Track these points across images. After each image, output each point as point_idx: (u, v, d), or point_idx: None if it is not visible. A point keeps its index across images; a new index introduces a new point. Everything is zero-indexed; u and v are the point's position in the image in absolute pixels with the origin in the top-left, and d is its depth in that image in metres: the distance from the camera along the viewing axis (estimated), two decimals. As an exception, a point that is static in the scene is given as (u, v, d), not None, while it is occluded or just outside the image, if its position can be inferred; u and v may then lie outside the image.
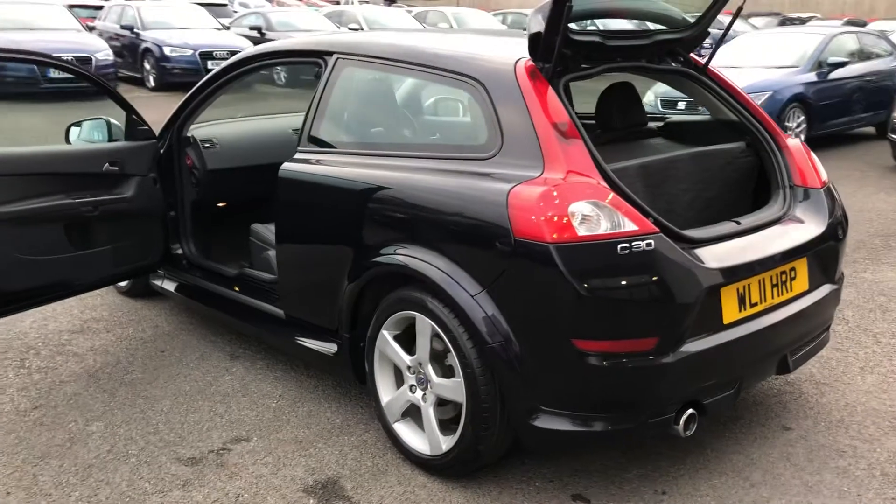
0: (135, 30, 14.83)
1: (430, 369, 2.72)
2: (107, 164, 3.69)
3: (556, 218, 2.33)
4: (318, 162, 3.12)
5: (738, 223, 2.75)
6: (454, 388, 2.62)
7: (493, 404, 2.53)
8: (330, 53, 3.25)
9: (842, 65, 9.61)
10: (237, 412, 3.26)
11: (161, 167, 3.95)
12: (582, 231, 2.32)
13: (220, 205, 4.43)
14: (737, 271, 2.55)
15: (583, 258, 2.31)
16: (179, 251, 4.15)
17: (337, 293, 3.02)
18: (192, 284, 4.09)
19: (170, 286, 4.17)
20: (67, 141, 3.95)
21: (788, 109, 9.04)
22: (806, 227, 2.87)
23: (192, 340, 3.98)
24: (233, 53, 14.36)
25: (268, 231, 3.94)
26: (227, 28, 15.74)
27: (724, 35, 3.30)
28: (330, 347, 3.14)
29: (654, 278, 2.36)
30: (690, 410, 2.50)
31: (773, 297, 2.69)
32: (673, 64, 3.16)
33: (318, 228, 3.09)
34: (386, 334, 2.85)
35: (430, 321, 2.65)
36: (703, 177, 2.99)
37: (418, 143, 2.93)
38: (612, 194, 2.43)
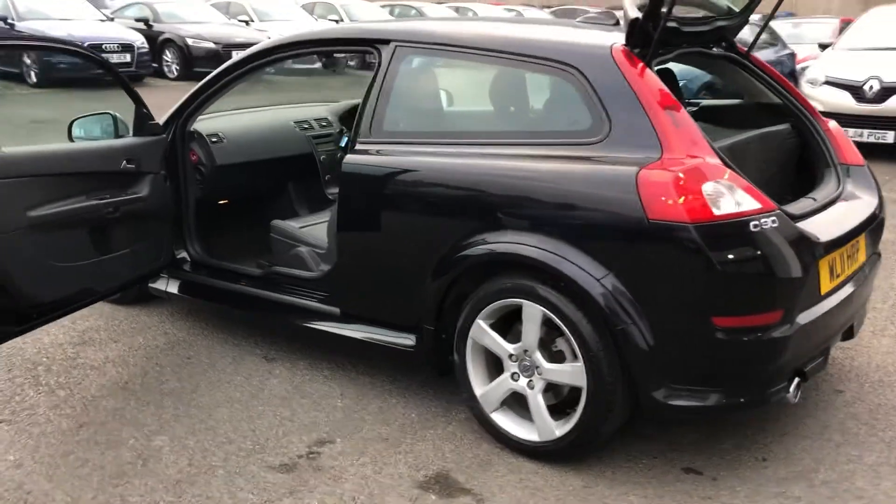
0: (9, 20, 13.72)
1: (539, 356, 2.71)
2: (124, 161, 3.45)
3: (692, 199, 2.38)
4: (387, 153, 3.04)
5: (815, 199, 2.91)
6: (572, 373, 2.63)
7: (616, 385, 2.57)
8: (386, 41, 3.16)
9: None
10: (304, 415, 3.13)
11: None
12: (717, 210, 2.38)
13: (223, 202, 4.23)
14: (832, 244, 2.70)
15: (721, 237, 2.38)
16: (182, 252, 3.94)
17: (416, 286, 2.96)
18: (201, 284, 3.88)
19: (173, 288, 3.95)
20: (70, 137, 3.65)
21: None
22: (864, 202, 3.07)
23: (214, 345, 3.78)
24: (124, 46, 13.68)
25: (292, 227, 3.80)
26: (112, 19, 14.87)
27: (766, 25, 3.46)
28: (406, 340, 3.07)
29: (781, 253, 2.46)
30: (798, 378, 2.63)
31: (848, 268, 2.86)
32: (720, 50, 3.29)
33: (394, 221, 3.01)
34: (482, 324, 2.82)
35: (540, 308, 2.65)
36: (766, 156, 3.13)
37: (508, 131, 2.90)
38: (728, 172, 2.51)
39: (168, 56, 14.73)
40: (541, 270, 2.62)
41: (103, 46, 13.19)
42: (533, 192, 2.67)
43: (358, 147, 3.11)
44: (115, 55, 13.36)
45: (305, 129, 4.43)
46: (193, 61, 14.84)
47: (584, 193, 2.56)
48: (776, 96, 3.34)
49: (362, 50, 3.35)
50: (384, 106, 3.09)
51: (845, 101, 8.57)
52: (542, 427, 2.74)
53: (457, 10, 23.30)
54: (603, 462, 2.78)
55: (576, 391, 2.67)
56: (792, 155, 3.31)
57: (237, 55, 3.74)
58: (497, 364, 2.88)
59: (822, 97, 8.65)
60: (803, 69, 10.21)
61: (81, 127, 3.65)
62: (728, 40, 3.30)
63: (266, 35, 16.10)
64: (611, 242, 2.51)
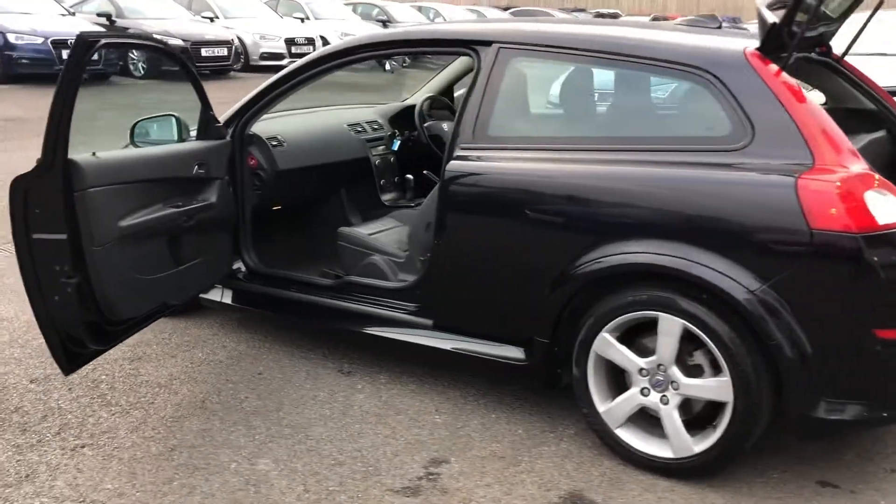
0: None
1: (676, 371, 2.62)
2: (196, 166, 3.26)
3: (856, 207, 2.32)
4: (494, 159, 2.92)
5: None
6: (716, 388, 2.55)
7: (764, 400, 2.50)
8: (487, 43, 3.04)
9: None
10: (405, 432, 2.99)
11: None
12: (880, 219, 2.33)
13: (276, 208, 4.04)
14: None
15: (885, 246, 2.33)
16: (237, 261, 3.75)
17: (528, 298, 2.85)
18: (261, 294, 3.70)
19: (227, 298, 3.75)
20: (133, 141, 3.43)
21: None
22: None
23: (281, 359, 3.60)
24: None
25: (362, 235, 3.65)
26: (73, 14, 14.32)
27: (863, 29, 3.43)
28: (515, 353, 2.96)
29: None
30: None
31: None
32: (817, 56, 3.26)
33: (505, 231, 2.89)
34: (608, 337, 2.72)
35: (680, 320, 2.56)
36: (873, 162, 3.10)
37: (631, 136, 2.80)
38: (878, 178, 2.46)
39: (134, 54, 14.26)
40: (680, 281, 2.54)
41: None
42: (668, 200, 2.58)
43: (459, 153, 2.97)
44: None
45: (359, 132, 4.28)
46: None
47: (732, 202, 2.48)
48: (871, 102, 3.32)
49: (457, 52, 3.23)
50: (489, 110, 2.97)
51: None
52: (677, 443, 2.65)
53: (419, 9, 23.16)
54: (736, 477, 2.71)
55: (714, 406, 2.59)
56: (891, 160, 3.30)
57: (311, 54, 3.56)
58: (618, 377, 2.79)
59: None
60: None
61: (145, 129, 3.44)
62: (825, 45, 3.27)
63: (234, 33, 15.78)
64: (765, 252, 2.44)
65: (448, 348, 3.14)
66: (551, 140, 2.91)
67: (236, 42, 15.61)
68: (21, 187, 2.49)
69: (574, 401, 2.90)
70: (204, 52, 14.73)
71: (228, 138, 3.51)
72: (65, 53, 12.39)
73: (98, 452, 2.82)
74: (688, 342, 2.60)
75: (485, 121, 2.97)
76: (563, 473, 2.74)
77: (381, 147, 4.34)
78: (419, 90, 4.82)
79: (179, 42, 14.17)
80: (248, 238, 3.78)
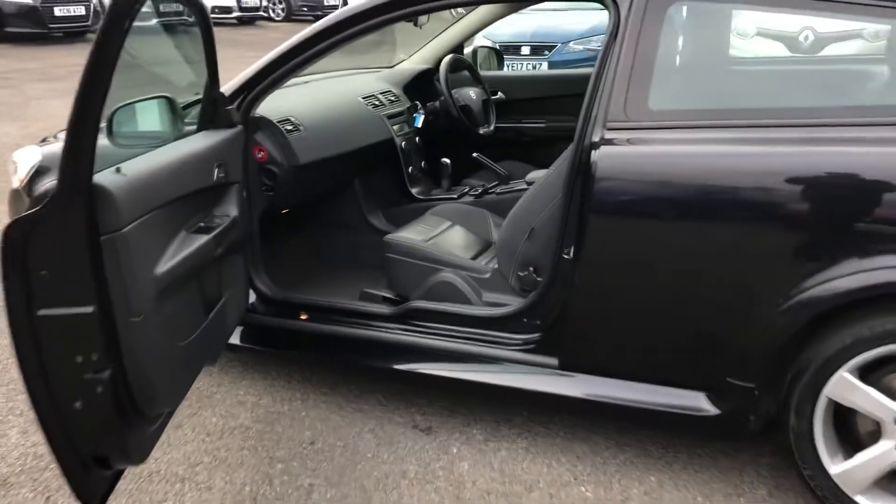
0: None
1: (953, 419, 1.97)
2: (216, 168, 2.30)
3: None
4: (667, 142, 2.14)
5: None
6: None
7: None
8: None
9: None
10: (554, 501, 2.22)
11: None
12: None
13: (284, 211, 3.10)
14: None
15: None
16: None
17: (725, 328, 2.12)
18: (283, 329, 2.80)
19: (235, 338, 2.82)
20: (111, 135, 2.39)
21: None
22: None
23: (328, 415, 2.71)
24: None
25: (418, 243, 2.80)
26: None
27: None
28: (691, 401, 2.23)
29: None
30: None
31: None
32: None
33: (694, 241, 2.11)
34: (850, 377, 2.02)
35: (966, 354, 1.90)
36: None
37: (880, 106, 2.07)
38: None
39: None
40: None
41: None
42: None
43: (607, 135, 2.16)
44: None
45: (376, 106, 3.36)
46: (4, 20, 12.46)
47: None
48: None
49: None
50: (645, 75, 2.16)
51: None
52: (952, 512, 2.02)
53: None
54: None
55: None
56: None
57: (341, 10, 2.60)
58: (851, 428, 2.12)
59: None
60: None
61: (129, 117, 2.40)
62: None
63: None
64: None
65: (580, 396, 2.37)
66: (747, 114, 2.13)
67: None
68: (16, 237, 1.48)
69: (756, 453, 2.21)
70: (57, 10, 12.83)
71: (240, 126, 2.55)
72: None
73: None
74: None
75: (641, 90, 2.16)
76: (798, 562, 2.06)
77: (404, 124, 3.44)
78: (420, 49, 3.92)
79: (28, 1, 12.28)
80: (258, 254, 2.84)
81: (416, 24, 3.41)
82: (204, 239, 2.09)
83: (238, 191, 2.45)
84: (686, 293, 2.15)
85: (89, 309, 1.54)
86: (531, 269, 2.54)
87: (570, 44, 8.63)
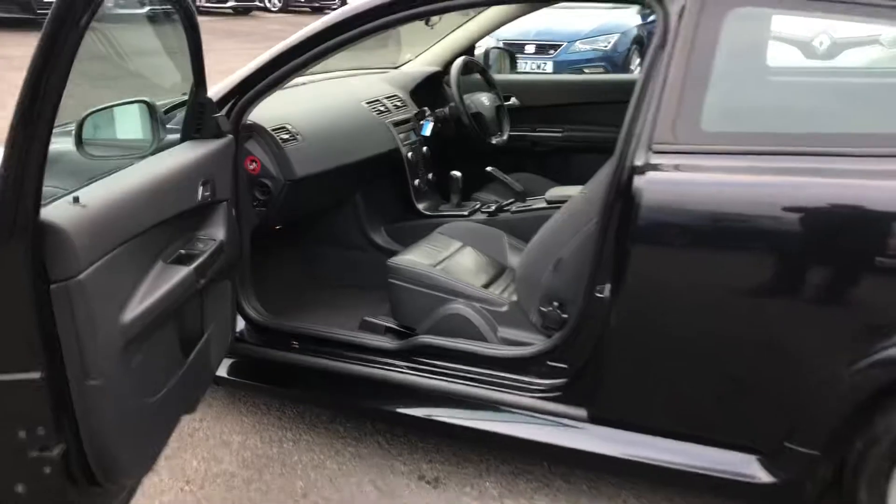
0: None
1: None
2: (201, 186, 2.00)
3: None
4: (725, 170, 1.85)
5: None
6: None
7: None
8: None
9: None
10: None
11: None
12: None
13: (276, 227, 2.80)
14: None
15: None
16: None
17: (790, 386, 1.84)
18: (274, 362, 2.51)
19: (222, 370, 2.52)
20: (80, 144, 2.07)
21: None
22: None
23: (324, 461, 2.42)
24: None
25: (426, 269, 2.50)
26: None
27: None
28: (742, 466, 1.94)
29: None
30: None
31: None
32: None
33: (758, 283, 1.83)
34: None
35: None
36: None
37: None
38: None
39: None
40: None
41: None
42: None
43: (653, 160, 1.87)
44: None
45: (381, 112, 3.06)
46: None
47: None
48: None
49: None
50: (699, 92, 1.87)
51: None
52: None
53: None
54: None
55: None
56: None
57: (345, 7, 2.30)
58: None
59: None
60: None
61: (102, 125, 2.10)
62: None
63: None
64: None
65: (614, 454, 2.08)
66: (835, 139, 1.83)
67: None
68: None
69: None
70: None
71: (230, 134, 2.25)
72: None
73: None
74: None
75: (692, 109, 1.87)
76: None
77: (411, 132, 3.14)
78: (428, 49, 3.62)
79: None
80: (248, 276, 2.55)
81: (427, 24, 3.11)
82: (184, 272, 1.79)
83: (226, 210, 2.15)
84: (741, 344, 1.86)
85: (35, 375, 1.24)
86: (556, 304, 2.25)
87: (577, 43, 8.36)
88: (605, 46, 8.35)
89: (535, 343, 2.25)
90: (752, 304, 1.83)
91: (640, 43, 8.98)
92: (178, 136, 2.16)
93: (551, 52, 8.12)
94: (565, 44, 8.31)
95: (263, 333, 2.55)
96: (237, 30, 14.63)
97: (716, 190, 1.84)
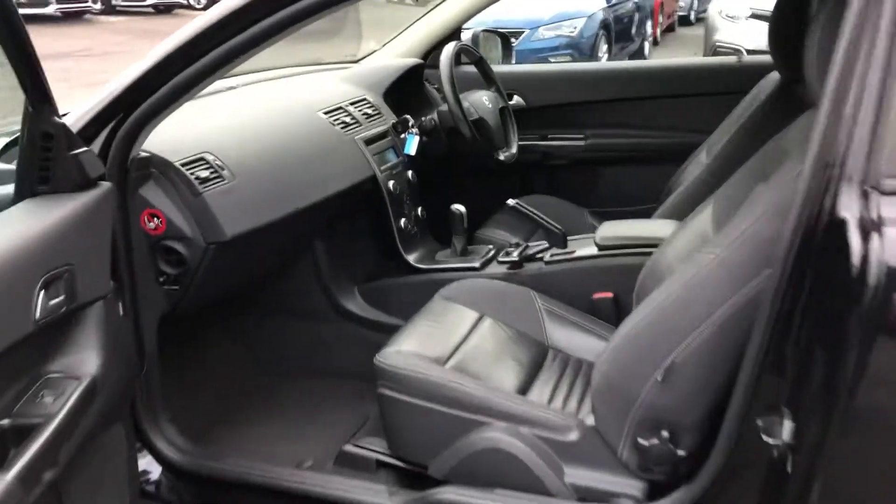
0: None
1: None
2: (41, 289, 1.06)
3: None
4: None
5: None
6: None
7: None
8: None
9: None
10: None
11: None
12: None
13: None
14: None
15: None
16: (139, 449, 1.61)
17: None
18: None
19: None
20: None
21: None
22: None
23: None
24: None
25: (434, 370, 1.60)
26: None
27: None
28: None
29: None
30: None
31: None
32: None
33: None
34: None
35: None
36: None
37: None
38: None
39: None
40: None
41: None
42: None
43: (884, 208, 1.00)
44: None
45: (347, 125, 2.13)
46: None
47: None
48: None
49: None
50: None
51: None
52: None
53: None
54: None
55: None
56: None
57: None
58: None
59: (748, 34, 7.41)
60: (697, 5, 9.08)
61: None
62: None
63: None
64: None
65: None
66: None
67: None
68: None
69: None
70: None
71: (106, 182, 1.31)
72: None
73: None
74: None
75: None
76: None
77: (389, 151, 2.23)
78: (400, 34, 2.71)
79: None
80: (157, 392, 1.63)
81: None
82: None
83: (102, 315, 1.22)
84: None
85: None
86: (665, 433, 1.38)
87: (540, 30, 7.54)
88: (571, 32, 7.55)
89: (630, 494, 1.39)
90: None
91: (608, 28, 8.21)
92: (9, 192, 1.23)
93: (513, 40, 7.27)
94: (527, 31, 7.50)
95: (185, 480, 1.63)
96: (158, 30, 13.43)
97: None
